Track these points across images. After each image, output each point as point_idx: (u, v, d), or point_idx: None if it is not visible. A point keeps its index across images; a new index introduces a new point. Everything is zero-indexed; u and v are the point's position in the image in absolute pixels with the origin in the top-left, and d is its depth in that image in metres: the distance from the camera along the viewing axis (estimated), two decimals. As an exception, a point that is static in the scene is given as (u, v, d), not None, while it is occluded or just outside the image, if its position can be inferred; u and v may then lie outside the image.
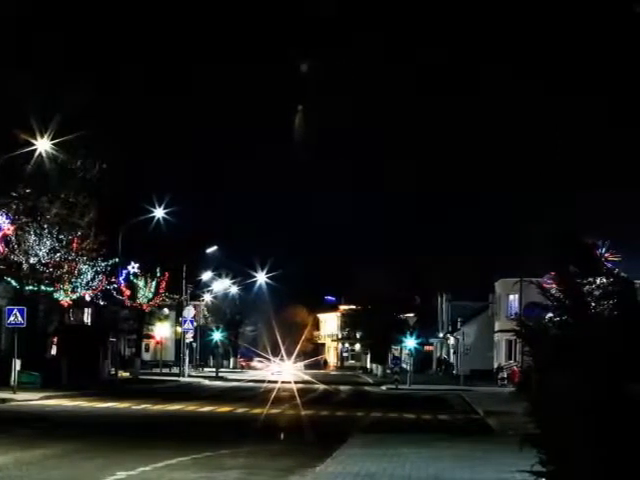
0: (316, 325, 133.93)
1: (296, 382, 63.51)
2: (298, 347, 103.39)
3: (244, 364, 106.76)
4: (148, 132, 69.16)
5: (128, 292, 61.76)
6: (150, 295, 64.50)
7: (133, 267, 62.46)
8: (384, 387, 62.83)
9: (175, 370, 76.29)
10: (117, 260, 55.30)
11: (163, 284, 65.31)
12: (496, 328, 77.17)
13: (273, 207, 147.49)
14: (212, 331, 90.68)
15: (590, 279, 9.47)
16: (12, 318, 40.28)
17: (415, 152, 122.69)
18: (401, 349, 78.56)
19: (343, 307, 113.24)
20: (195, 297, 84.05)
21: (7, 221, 46.11)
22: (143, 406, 36.07)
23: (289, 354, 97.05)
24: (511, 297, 71.05)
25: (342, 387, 62.30)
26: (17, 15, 46.20)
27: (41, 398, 38.26)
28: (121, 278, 59.78)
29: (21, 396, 38.12)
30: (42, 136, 44.09)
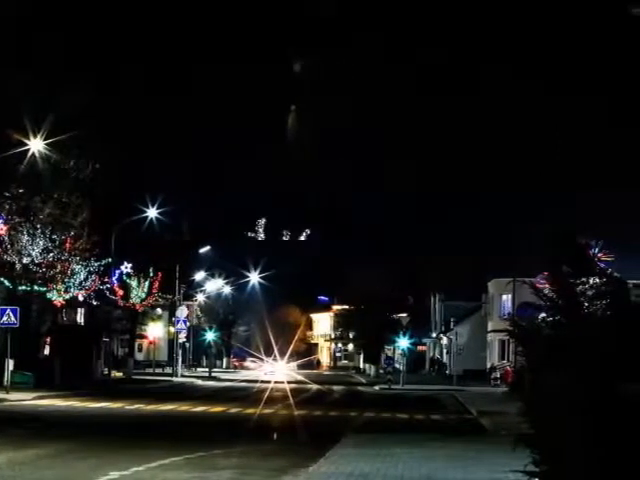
0: (309, 325, 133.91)
1: (289, 382, 63.44)
2: (291, 347, 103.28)
3: (237, 364, 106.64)
4: (148, 132, 69.13)
5: (121, 292, 61.65)
6: (143, 295, 64.38)
7: (126, 267, 62.36)
8: (377, 387, 62.79)
9: (168, 370, 76.17)
10: (110, 260, 55.22)
11: (156, 284, 65.18)
12: (489, 328, 77.20)
13: (272, 207, 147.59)
14: (205, 331, 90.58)
15: (583, 279, 9.48)
16: (5, 318, 40.19)
17: (415, 152, 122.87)
18: (394, 349, 78.48)
19: (336, 307, 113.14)
20: (188, 297, 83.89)
21: (0, 221, 46.05)
22: (136, 406, 36.03)
23: (282, 354, 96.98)
24: (504, 297, 71.00)
25: (335, 387, 62.27)
26: (17, 15, 46.18)
27: (34, 398, 38.20)
28: (114, 278, 59.66)
29: (14, 396, 38.05)
30: (35, 136, 44.02)
